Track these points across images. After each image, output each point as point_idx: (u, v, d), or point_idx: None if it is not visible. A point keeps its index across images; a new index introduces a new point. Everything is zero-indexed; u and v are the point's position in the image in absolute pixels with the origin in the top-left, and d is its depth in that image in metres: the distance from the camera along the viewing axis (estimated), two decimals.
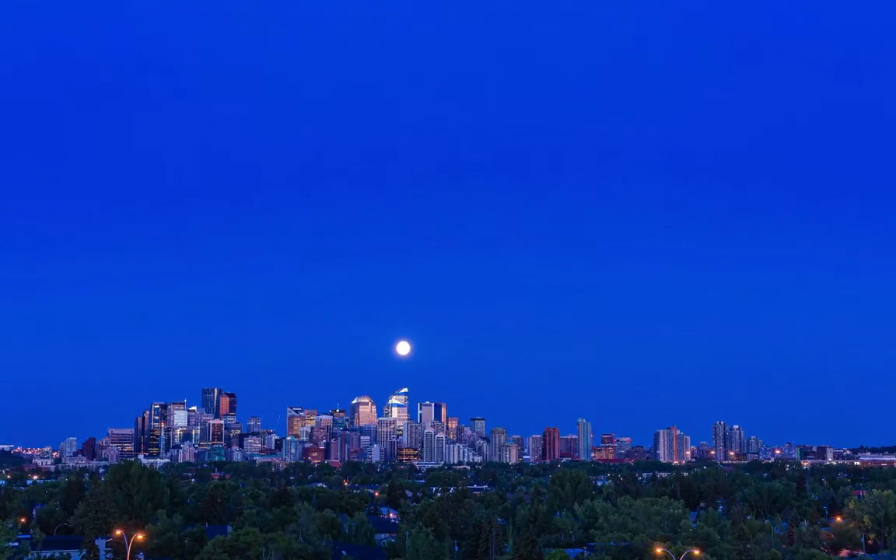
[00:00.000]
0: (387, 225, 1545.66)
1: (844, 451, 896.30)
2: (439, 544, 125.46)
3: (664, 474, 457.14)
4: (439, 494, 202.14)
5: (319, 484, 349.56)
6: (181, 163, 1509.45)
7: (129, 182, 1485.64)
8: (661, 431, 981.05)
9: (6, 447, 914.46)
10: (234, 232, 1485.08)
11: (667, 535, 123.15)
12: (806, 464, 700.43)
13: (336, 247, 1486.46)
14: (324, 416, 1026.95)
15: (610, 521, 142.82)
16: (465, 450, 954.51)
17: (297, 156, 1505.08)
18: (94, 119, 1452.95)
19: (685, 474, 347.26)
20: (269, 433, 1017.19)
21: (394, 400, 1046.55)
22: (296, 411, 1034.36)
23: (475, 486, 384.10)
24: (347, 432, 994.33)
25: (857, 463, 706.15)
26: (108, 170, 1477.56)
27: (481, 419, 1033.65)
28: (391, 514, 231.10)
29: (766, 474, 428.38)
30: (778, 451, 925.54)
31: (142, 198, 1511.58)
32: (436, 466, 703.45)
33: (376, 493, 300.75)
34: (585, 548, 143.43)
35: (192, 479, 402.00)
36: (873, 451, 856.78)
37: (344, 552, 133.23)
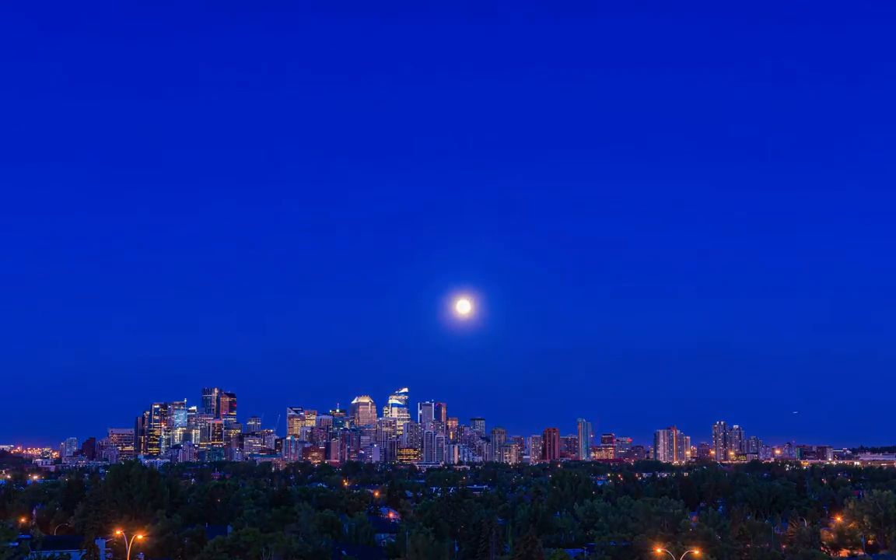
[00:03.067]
0: (385, 226, 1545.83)
1: (844, 450, 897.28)
2: (439, 544, 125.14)
3: (664, 474, 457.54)
4: (439, 494, 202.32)
5: (319, 484, 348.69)
6: (181, 164, 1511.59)
7: (128, 183, 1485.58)
8: (661, 431, 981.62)
9: (6, 447, 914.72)
10: (233, 232, 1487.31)
11: (667, 535, 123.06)
12: (806, 464, 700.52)
13: (335, 246, 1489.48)
14: (324, 416, 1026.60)
15: (610, 521, 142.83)
16: (465, 450, 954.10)
17: (296, 157, 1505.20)
18: (94, 117, 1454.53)
19: (685, 474, 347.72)
20: (269, 433, 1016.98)
21: (394, 400, 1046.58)
22: (296, 411, 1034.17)
23: (475, 486, 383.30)
24: (347, 432, 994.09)
25: (857, 463, 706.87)
26: (108, 170, 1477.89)
27: (481, 419, 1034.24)
28: (391, 514, 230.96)
29: (766, 474, 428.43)
30: (778, 451, 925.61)
31: (142, 200, 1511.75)
32: (436, 466, 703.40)
33: (376, 493, 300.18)
34: (585, 548, 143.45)
35: (192, 480, 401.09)
36: (873, 451, 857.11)
37: (344, 552, 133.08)
